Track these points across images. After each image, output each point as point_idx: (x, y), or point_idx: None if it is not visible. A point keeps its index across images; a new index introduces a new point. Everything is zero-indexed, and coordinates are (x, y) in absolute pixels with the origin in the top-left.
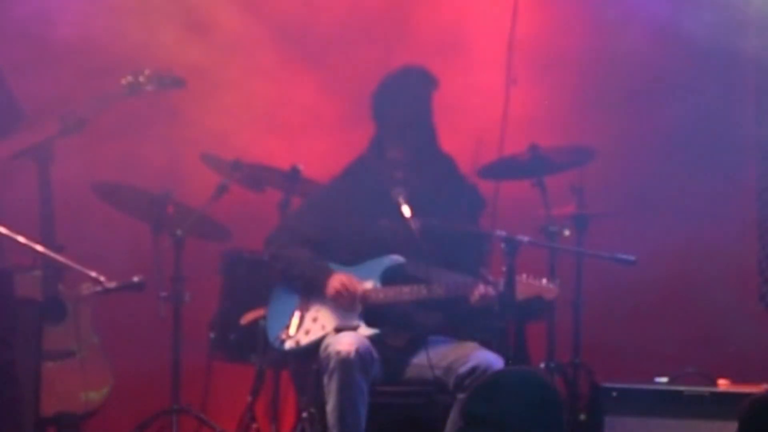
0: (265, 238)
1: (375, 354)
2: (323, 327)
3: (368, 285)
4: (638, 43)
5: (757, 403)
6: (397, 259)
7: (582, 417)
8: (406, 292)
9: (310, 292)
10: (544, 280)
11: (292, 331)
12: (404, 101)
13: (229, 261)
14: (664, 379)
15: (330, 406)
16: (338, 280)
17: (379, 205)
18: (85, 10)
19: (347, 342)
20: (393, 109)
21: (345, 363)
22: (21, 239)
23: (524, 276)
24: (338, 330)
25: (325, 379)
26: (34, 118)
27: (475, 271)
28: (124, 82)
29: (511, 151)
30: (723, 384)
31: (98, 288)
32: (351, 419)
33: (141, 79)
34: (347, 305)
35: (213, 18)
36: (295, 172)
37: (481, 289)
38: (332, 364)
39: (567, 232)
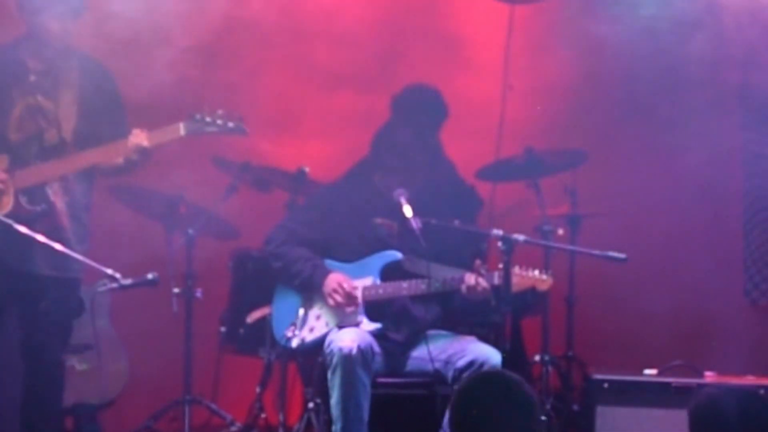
0: (264, 236)
1: (376, 348)
2: (327, 324)
3: (368, 281)
4: (630, 52)
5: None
6: (395, 254)
7: (575, 407)
8: (404, 287)
9: (310, 290)
10: (536, 272)
11: (297, 330)
12: (417, 121)
13: (239, 259)
14: (654, 371)
15: (333, 400)
16: (335, 280)
17: (381, 205)
18: None
19: (349, 338)
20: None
21: (347, 359)
22: (41, 239)
23: (517, 268)
24: (340, 326)
25: (329, 375)
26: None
27: (471, 266)
28: (190, 119)
29: (507, 154)
30: (710, 376)
31: (114, 284)
32: (354, 413)
33: (207, 119)
34: (343, 305)
35: (222, 22)
36: (301, 173)
37: (470, 280)
38: (335, 360)
39: (561, 231)
